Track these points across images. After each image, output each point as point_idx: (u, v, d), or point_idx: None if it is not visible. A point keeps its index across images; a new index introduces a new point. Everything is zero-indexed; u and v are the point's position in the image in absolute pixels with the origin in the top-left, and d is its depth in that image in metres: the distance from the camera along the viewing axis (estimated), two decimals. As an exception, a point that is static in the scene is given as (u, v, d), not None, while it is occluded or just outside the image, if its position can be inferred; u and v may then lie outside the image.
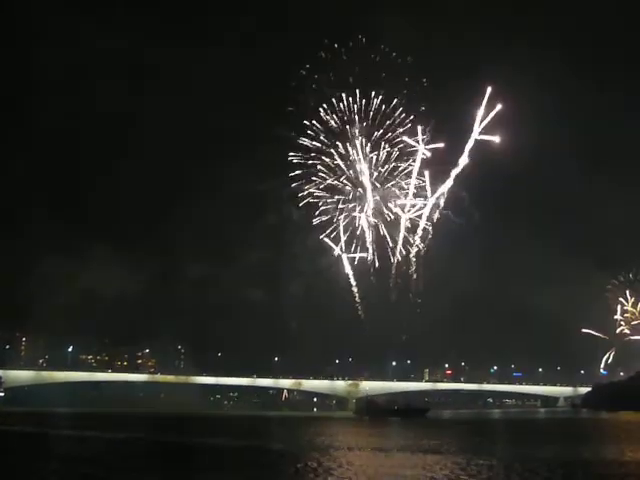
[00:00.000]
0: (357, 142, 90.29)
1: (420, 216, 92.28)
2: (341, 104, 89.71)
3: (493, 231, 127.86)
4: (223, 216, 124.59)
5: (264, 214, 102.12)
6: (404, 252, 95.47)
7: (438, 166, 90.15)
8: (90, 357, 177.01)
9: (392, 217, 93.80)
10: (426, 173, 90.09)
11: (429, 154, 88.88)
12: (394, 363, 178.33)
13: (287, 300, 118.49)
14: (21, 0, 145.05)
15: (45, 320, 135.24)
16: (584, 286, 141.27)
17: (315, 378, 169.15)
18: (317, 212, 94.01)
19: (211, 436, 58.76)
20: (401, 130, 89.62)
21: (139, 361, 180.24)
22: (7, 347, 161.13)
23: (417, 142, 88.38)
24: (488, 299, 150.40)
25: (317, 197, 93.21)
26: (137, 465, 34.29)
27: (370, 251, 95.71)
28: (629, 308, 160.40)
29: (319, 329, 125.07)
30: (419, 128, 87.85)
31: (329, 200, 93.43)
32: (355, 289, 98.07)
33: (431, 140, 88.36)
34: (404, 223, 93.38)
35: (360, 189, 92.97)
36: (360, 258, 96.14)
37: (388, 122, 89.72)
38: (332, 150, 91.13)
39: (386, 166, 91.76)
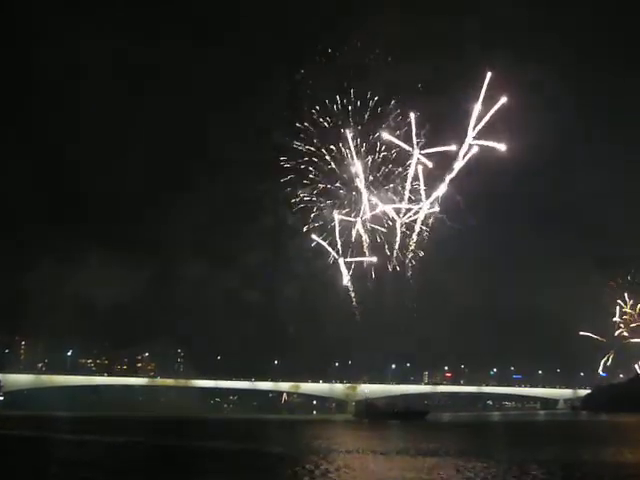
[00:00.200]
0: (352, 145, 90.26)
1: (416, 220, 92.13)
2: (335, 107, 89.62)
3: (492, 233, 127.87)
4: (222, 218, 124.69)
5: (261, 217, 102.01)
6: (400, 256, 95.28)
7: (434, 169, 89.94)
8: (89, 361, 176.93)
9: (388, 221, 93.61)
10: (421, 177, 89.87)
11: (424, 159, 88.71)
12: (394, 366, 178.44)
13: (285, 304, 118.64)
14: (21, 0, 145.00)
15: (44, 324, 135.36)
16: (583, 288, 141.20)
17: (313, 381, 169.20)
18: (312, 216, 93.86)
19: (210, 439, 58.78)
20: (398, 133, 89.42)
21: (139, 365, 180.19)
22: (6, 351, 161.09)
23: (412, 146, 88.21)
24: (487, 301, 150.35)
25: (311, 201, 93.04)
26: (137, 469, 34.30)
27: (366, 255, 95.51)
28: (627, 310, 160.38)
29: (318, 332, 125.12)
30: (414, 132, 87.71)
31: (323, 204, 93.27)
32: (352, 293, 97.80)
33: (426, 144, 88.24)
34: (399, 227, 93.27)
35: (355, 193, 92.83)
36: (356, 262, 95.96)
37: (383, 125, 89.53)
38: (326, 154, 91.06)
39: (382, 169, 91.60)
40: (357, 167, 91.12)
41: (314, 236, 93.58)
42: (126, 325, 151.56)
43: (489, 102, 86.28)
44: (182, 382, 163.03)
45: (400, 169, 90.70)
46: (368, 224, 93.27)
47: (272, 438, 63.27)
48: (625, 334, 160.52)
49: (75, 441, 55.60)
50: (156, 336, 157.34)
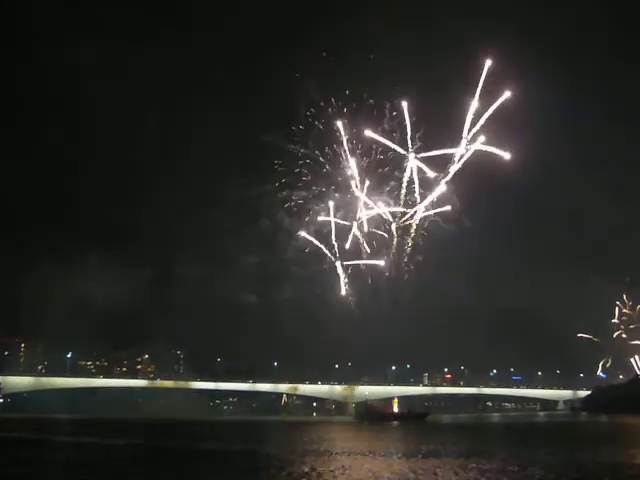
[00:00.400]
0: (347, 148, 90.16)
1: (411, 223, 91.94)
2: (330, 109, 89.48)
3: (491, 235, 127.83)
4: (221, 220, 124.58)
5: (258, 219, 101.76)
6: (397, 259, 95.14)
7: (429, 172, 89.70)
8: (89, 363, 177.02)
9: (384, 224, 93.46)
10: (416, 180, 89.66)
11: (419, 163, 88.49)
12: (393, 367, 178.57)
13: (284, 305, 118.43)
14: (21, 0, 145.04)
15: (44, 326, 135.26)
16: (582, 289, 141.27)
17: (311, 383, 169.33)
18: (307, 219, 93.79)
19: (209, 441, 58.81)
20: (394, 135, 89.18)
21: (138, 367, 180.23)
22: (6, 353, 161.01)
23: (407, 149, 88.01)
24: (487, 303, 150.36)
25: (306, 204, 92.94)
26: (136, 471, 34.30)
27: (364, 257, 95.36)
28: (626, 311, 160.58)
29: (317, 334, 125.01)
30: (409, 134, 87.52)
31: (318, 207, 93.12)
32: (349, 296, 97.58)
33: (422, 147, 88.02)
34: (395, 230, 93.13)
35: (350, 196, 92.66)
36: (349, 262, 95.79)
37: (379, 129, 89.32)
38: (321, 156, 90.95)
39: (378, 171, 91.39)
40: (353, 170, 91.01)
41: (312, 238, 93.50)
42: (126, 327, 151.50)
43: (487, 100, 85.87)
44: (182, 384, 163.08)
45: (396, 172, 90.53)
46: (364, 227, 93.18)
47: (270, 439, 63.23)
48: (624, 336, 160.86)
49: (75, 443, 55.60)
50: (156, 338, 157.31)
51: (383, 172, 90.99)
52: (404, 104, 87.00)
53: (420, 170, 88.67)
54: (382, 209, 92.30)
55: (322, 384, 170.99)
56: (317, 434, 71.85)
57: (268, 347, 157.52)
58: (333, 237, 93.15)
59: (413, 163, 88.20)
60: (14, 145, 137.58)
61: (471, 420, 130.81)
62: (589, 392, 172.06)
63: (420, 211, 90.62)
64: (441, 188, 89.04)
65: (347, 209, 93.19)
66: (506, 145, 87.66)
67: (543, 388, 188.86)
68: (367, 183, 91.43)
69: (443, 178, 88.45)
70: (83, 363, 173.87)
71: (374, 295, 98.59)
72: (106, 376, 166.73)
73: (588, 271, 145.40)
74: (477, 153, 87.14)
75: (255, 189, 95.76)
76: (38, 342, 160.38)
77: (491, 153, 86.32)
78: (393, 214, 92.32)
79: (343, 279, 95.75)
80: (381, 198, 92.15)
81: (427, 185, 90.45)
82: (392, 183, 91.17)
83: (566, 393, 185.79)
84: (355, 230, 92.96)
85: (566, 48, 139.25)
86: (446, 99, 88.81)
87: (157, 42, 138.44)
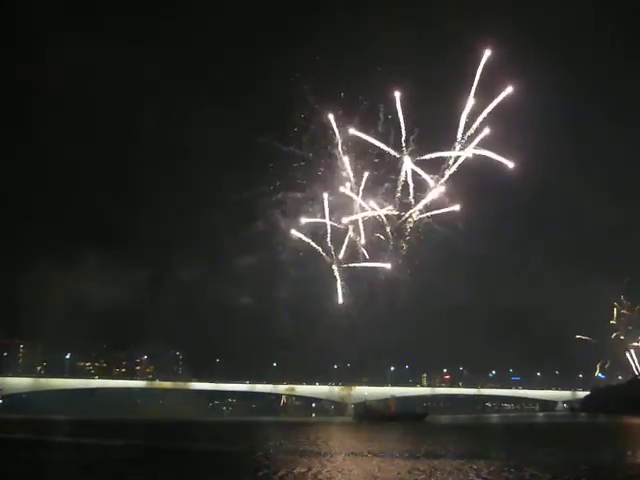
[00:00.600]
0: (341, 150, 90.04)
1: (407, 224, 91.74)
2: (325, 111, 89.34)
3: (490, 235, 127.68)
4: (219, 221, 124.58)
5: (254, 220, 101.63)
6: (394, 260, 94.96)
7: (425, 175, 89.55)
8: (88, 364, 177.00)
9: (380, 226, 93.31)
10: (410, 182, 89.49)
11: (413, 166, 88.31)
12: (392, 368, 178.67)
13: (281, 306, 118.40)
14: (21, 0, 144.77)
15: (43, 326, 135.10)
16: (582, 289, 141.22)
17: (309, 383, 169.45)
18: (304, 220, 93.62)
19: (208, 442, 58.81)
20: (389, 138, 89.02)
21: (137, 367, 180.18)
22: (5, 354, 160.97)
23: (402, 151, 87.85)
24: (486, 303, 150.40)
25: (302, 205, 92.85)
26: (136, 471, 34.33)
27: (361, 259, 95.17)
28: (624, 312, 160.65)
29: (316, 335, 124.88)
30: (403, 137, 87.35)
31: (312, 209, 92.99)
32: (343, 298, 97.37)
33: (418, 148, 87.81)
34: (389, 231, 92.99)
35: (346, 198, 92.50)
36: (344, 264, 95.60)
37: (373, 131, 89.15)
38: (317, 159, 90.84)
39: (374, 173, 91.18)
40: (348, 172, 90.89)
41: (309, 240, 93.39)
42: (124, 328, 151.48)
43: (487, 100, 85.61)
44: (180, 385, 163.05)
45: (392, 176, 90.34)
46: (360, 229, 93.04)
47: (268, 440, 63.19)
48: (622, 337, 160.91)
49: (73, 444, 55.59)
50: (154, 339, 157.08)
51: (379, 174, 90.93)
52: (397, 94, 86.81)
53: (416, 171, 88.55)
54: (378, 211, 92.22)
55: (320, 385, 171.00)
56: (315, 435, 71.81)
57: (267, 348, 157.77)
58: (329, 239, 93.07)
59: (408, 164, 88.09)
60: (14, 145, 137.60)
61: (470, 421, 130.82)
62: (588, 393, 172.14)
63: (416, 213, 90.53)
64: (438, 190, 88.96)
65: (342, 211, 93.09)
66: (505, 145, 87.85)
67: (542, 389, 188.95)
68: (362, 185, 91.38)
69: (440, 178, 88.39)
70: (82, 364, 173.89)
71: (372, 296, 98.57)
72: (105, 377, 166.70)
73: (588, 271, 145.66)
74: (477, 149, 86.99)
75: (251, 190, 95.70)
76: (37, 343, 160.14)
77: (490, 152, 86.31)
78: (388, 216, 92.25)
79: (340, 287, 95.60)
80: (376, 200, 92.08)
81: (424, 186, 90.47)
82: (387, 185, 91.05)
83: (565, 394, 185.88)
84: (351, 232, 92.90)
85: (566, 48, 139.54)
86: (445, 98, 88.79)
87: (157, 42, 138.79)
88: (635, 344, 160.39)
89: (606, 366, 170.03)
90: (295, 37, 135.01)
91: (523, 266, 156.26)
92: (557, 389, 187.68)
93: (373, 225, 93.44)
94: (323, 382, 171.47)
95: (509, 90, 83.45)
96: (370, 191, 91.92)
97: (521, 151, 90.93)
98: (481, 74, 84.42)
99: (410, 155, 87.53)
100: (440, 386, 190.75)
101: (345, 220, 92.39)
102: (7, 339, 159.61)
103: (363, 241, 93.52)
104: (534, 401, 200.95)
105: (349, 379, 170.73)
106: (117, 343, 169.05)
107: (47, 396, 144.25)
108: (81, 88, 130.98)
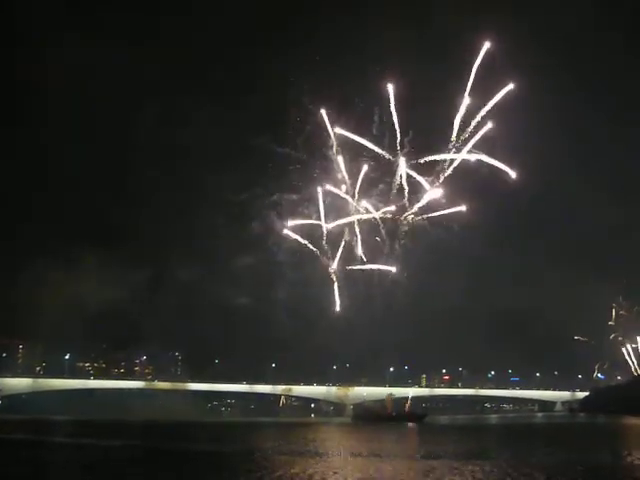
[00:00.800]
0: (337, 151, 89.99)
1: (403, 226, 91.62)
2: (321, 113, 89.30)
3: (490, 235, 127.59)
4: (217, 222, 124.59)
5: (250, 221, 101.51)
6: (390, 262, 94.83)
7: (420, 178, 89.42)
8: (87, 364, 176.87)
9: (377, 227, 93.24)
10: (404, 184, 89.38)
11: (407, 170, 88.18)
12: (391, 369, 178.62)
13: (280, 307, 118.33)
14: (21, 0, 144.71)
15: (42, 327, 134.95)
16: (582, 290, 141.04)
17: (306, 384, 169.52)
18: (300, 222, 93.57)
19: (207, 442, 58.86)
20: (385, 139, 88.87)
21: (136, 368, 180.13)
22: (4, 355, 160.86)
23: (396, 153, 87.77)
24: (485, 303, 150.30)
25: (296, 207, 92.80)
26: (135, 472, 34.38)
27: (358, 260, 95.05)
28: (623, 313, 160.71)
29: (315, 336, 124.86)
30: (398, 139, 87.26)
31: (307, 211, 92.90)
32: (340, 300, 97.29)
33: (414, 151, 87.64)
34: (384, 232, 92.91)
35: (341, 199, 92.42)
36: (346, 266, 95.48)
37: (369, 132, 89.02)
38: (312, 160, 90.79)
39: (370, 175, 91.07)
40: (343, 174, 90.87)
41: (305, 241, 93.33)
42: (124, 328, 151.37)
43: (485, 100, 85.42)
44: (179, 385, 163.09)
45: (387, 176, 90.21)
46: (356, 231, 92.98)
47: (266, 441, 63.26)
48: (620, 338, 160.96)
49: (72, 444, 55.65)
50: (153, 339, 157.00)
51: (375, 176, 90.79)
52: (391, 94, 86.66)
53: (412, 170, 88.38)
54: (374, 213, 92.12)
55: (318, 385, 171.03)
56: (313, 435, 71.92)
57: (266, 349, 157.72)
58: (324, 240, 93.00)
59: (403, 166, 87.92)
60: (14, 145, 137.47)
61: (469, 421, 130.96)
62: (587, 393, 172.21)
63: (411, 215, 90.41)
64: (436, 191, 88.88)
65: (337, 213, 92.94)
66: (505, 145, 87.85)
67: (541, 389, 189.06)
68: (358, 187, 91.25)
69: (436, 180, 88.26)
70: (81, 364, 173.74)
71: (369, 298, 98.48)
72: (104, 377, 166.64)
73: (588, 271, 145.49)
74: (474, 151, 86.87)
75: (248, 191, 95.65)
76: (36, 344, 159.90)
77: (489, 151, 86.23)
78: (384, 218, 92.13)
79: (337, 294, 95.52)
80: (371, 201, 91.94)
81: (421, 187, 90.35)
82: (382, 186, 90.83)
83: (564, 394, 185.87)
84: (346, 236, 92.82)
85: (566, 47, 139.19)
86: (445, 99, 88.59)
87: (157, 42, 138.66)
88: (634, 345, 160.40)
89: (605, 367, 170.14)
90: (295, 37, 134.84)
91: (522, 267, 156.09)
92: (556, 390, 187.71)
93: (369, 227, 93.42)
94: (321, 383, 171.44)
95: (510, 87, 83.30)
96: (366, 193, 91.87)
97: (520, 151, 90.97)
98: (480, 74, 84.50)
99: (406, 156, 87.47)
100: (439, 387, 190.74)
101: (330, 225, 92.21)
102: (6, 339, 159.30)
103: (360, 243, 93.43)
104: (533, 402, 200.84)
105: (348, 380, 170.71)
106: (116, 344, 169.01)
107: (46, 396, 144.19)
108: (81, 88, 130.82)
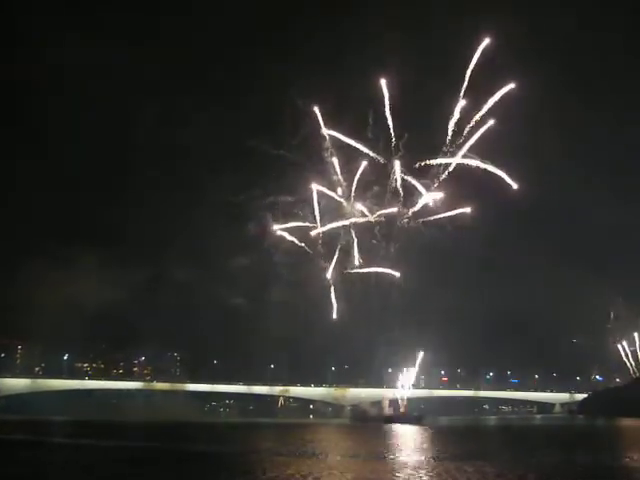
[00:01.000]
0: (332, 153, 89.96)
1: (398, 227, 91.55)
2: (317, 115, 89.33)
3: (490, 236, 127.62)
4: (215, 223, 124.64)
5: (247, 223, 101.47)
6: (385, 264, 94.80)
7: (414, 178, 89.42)
8: (86, 365, 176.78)
9: (372, 228, 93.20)
10: (399, 186, 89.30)
11: (400, 172, 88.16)
12: (390, 370, 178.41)
13: (278, 308, 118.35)
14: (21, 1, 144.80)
15: (41, 327, 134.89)
16: (582, 290, 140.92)
17: (303, 385, 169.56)
18: (294, 224, 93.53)
19: (205, 443, 58.92)
20: (379, 143, 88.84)
21: (135, 369, 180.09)
22: (2, 355, 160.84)
23: (392, 156, 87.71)
24: (485, 304, 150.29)
25: (293, 208, 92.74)
26: (135, 472, 34.43)
27: (355, 264, 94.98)
28: (623, 314, 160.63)
29: (314, 336, 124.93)
30: (393, 142, 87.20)
31: (302, 213, 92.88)
32: (336, 305, 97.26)
33: (406, 153, 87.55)
34: (379, 235, 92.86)
35: (336, 201, 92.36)
36: (343, 268, 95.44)
37: (362, 134, 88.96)
38: (309, 162, 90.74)
39: (366, 178, 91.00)
40: (339, 176, 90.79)
41: (302, 244, 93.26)
42: (123, 329, 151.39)
43: (485, 100, 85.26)
44: (178, 386, 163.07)
45: (382, 178, 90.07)
46: (352, 234, 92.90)
47: (264, 442, 63.34)
48: (619, 340, 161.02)
49: (71, 445, 55.67)
50: (152, 340, 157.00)
51: (371, 177, 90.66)
52: (385, 90, 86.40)
53: (408, 172, 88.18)
54: (370, 217, 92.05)
55: (315, 386, 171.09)
56: (310, 436, 71.99)
57: (265, 350, 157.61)
58: (320, 241, 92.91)
59: (398, 168, 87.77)
60: (14, 145, 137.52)
61: (467, 422, 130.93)
62: (586, 395, 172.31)
63: (407, 217, 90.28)
64: (434, 192, 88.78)
65: (332, 215, 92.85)
66: (505, 145, 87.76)
67: (540, 391, 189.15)
68: (353, 189, 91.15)
69: (434, 182, 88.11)
70: (80, 365, 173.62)
71: (367, 300, 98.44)
72: (102, 378, 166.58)
73: (588, 271, 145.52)
74: (473, 153, 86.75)
75: (245, 192, 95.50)
76: (35, 344, 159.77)
77: (489, 152, 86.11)
78: (379, 221, 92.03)
79: (334, 300, 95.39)
80: (366, 204, 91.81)
81: (419, 189, 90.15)
82: (379, 189, 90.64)
83: (563, 396, 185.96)
84: (342, 238, 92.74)
85: (566, 47, 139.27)
86: (445, 99, 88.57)
87: (157, 42, 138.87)
88: (632, 347, 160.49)
89: (604, 369, 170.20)
90: (295, 37, 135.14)
91: (522, 267, 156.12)
92: (555, 391, 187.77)
93: (365, 229, 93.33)
94: (319, 384, 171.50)
95: (510, 87, 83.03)
96: (361, 195, 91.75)
97: (520, 152, 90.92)
98: (480, 75, 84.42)
99: (401, 159, 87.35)
100: (437, 388, 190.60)
101: (325, 228, 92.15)
102: (5, 340, 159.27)
103: (356, 247, 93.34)
104: (532, 403, 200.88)
105: (346, 381, 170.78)
106: (115, 344, 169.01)
107: (45, 397, 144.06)
108: (81, 88, 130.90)
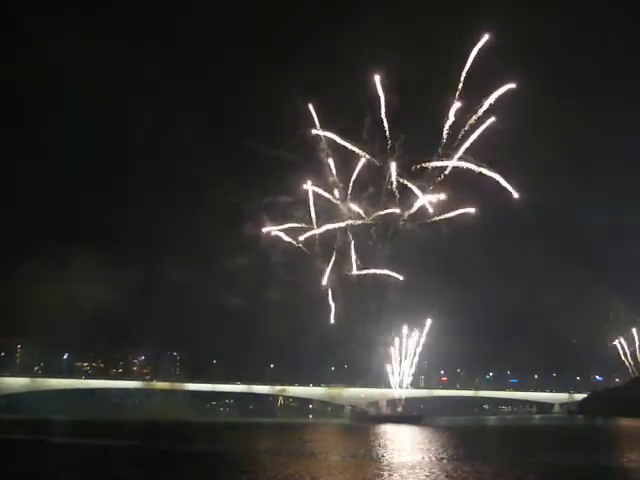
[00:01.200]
0: (328, 154, 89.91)
1: (394, 229, 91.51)
2: (315, 116, 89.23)
3: (489, 236, 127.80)
4: (214, 223, 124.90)
5: (244, 223, 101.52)
6: (381, 266, 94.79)
7: (410, 180, 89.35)
8: (85, 364, 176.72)
9: (368, 229, 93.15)
10: (395, 188, 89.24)
11: (395, 174, 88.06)
12: (389, 370, 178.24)
13: (277, 308, 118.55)
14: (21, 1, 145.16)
15: (41, 327, 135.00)
16: (582, 291, 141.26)
17: (300, 384, 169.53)
18: (293, 224, 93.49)
19: (204, 443, 58.95)
20: (375, 144, 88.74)
21: (134, 368, 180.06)
22: (2, 354, 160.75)
23: (388, 158, 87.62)
24: (483, 305, 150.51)
25: (288, 210, 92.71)
26: (134, 472, 34.45)
27: (352, 265, 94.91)
28: (622, 315, 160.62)
29: (314, 337, 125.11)
30: (389, 143, 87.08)
31: (299, 213, 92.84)
32: (333, 303, 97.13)
33: (402, 155, 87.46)
34: (376, 234, 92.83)
35: (333, 203, 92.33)
36: (341, 270, 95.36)
37: (358, 136, 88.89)
38: (306, 163, 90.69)
39: (359, 179, 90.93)
40: (335, 177, 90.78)
41: (299, 245, 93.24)
42: (122, 328, 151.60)
43: (480, 99, 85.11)
44: (178, 385, 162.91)
45: (379, 179, 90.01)
46: (349, 234, 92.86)
47: (263, 441, 63.37)
48: (619, 340, 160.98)
49: (71, 444, 55.69)
50: (152, 340, 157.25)
51: (368, 179, 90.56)
52: (377, 78, 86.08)
53: (404, 174, 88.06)
54: (366, 219, 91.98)
55: (314, 386, 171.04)
56: (309, 436, 72.04)
57: (264, 349, 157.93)
58: (317, 241, 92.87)
59: (394, 169, 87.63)
60: (14, 145, 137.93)
61: (467, 422, 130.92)
62: (585, 395, 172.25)
63: (403, 216, 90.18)
64: (433, 192, 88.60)
65: (328, 216, 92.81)
66: (504, 145, 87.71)
67: (539, 391, 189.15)
68: (349, 190, 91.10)
69: (433, 182, 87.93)
70: (79, 364, 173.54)
71: (365, 300, 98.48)
72: (102, 377, 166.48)
73: (587, 273, 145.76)
74: (473, 153, 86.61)
75: (243, 192, 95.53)
76: (35, 343, 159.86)
77: (488, 150, 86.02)
78: (375, 222, 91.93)
79: (332, 303, 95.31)
80: (362, 206, 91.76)
81: (418, 189, 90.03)
82: (373, 190, 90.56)
83: (562, 396, 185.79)
84: (339, 235, 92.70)
85: (566, 47, 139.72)
86: (444, 100, 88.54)
87: (157, 42, 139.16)
88: (631, 347, 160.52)
89: (603, 369, 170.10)
90: (295, 37, 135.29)
91: (522, 267, 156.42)
92: (554, 392, 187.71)
93: (361, 231, 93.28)
94: (318, 383, 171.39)
95: (510, 86, 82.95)
96: (357, 196, 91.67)
97: (520, 152, 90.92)
98: (479, 75, 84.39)
99: (398, 160, 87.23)
100: (437, 388, 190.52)
101: (308, 234, 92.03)
102: (4, 339, 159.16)
103: (353, 248, 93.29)
104: (531, 403, 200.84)
105: (346, 381, 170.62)
106: (115, 343, 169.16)
107: (45, 396, 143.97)
108: (81, 88, 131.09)
